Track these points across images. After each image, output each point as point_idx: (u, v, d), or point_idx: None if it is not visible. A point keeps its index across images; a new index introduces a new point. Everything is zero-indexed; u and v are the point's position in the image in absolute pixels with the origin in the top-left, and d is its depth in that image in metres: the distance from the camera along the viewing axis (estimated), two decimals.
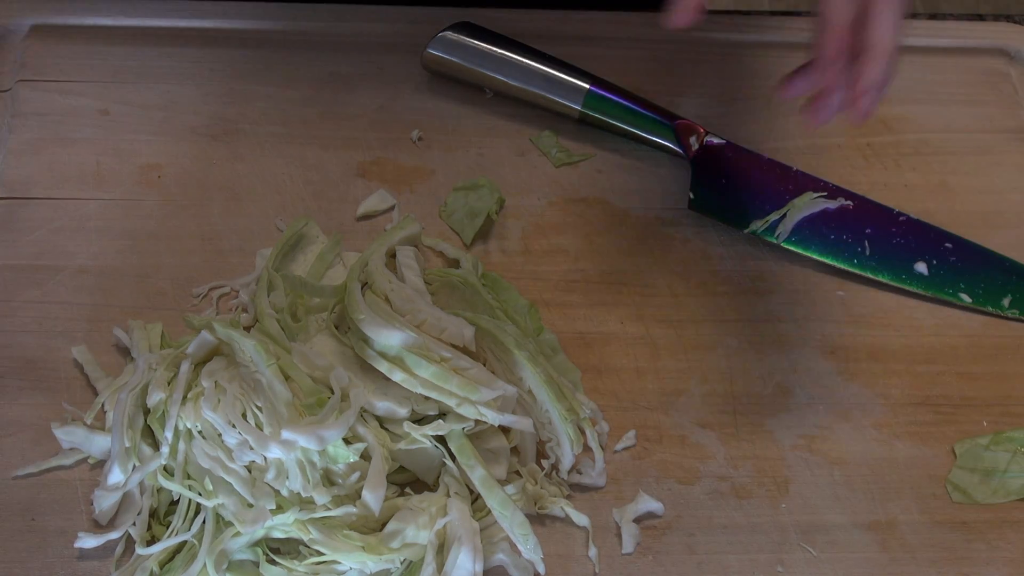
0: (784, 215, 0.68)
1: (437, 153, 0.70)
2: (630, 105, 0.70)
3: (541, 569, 0.55)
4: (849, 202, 0.69)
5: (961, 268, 0.67)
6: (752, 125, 0.73)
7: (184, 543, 0.54)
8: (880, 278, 0.67)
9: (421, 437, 0.55)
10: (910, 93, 0.75)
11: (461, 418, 0.55)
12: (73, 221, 0.65)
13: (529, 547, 0.54)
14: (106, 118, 0.69)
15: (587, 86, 0.70)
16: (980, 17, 0.80)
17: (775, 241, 0.68)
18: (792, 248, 0.67)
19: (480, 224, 0.66)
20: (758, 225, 0.68)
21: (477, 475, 0.55)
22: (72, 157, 0.68)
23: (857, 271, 0.67)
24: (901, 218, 0.69)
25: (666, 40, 0.76)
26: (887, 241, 0.68)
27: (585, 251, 0.67)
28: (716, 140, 0.70)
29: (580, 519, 0.57)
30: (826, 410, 0.63)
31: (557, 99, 0.71)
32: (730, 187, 0.69)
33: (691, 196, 0.68)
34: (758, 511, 0.59)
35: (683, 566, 0.57)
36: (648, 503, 0.58)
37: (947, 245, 0.68)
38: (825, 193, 0.69)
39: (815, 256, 0.67)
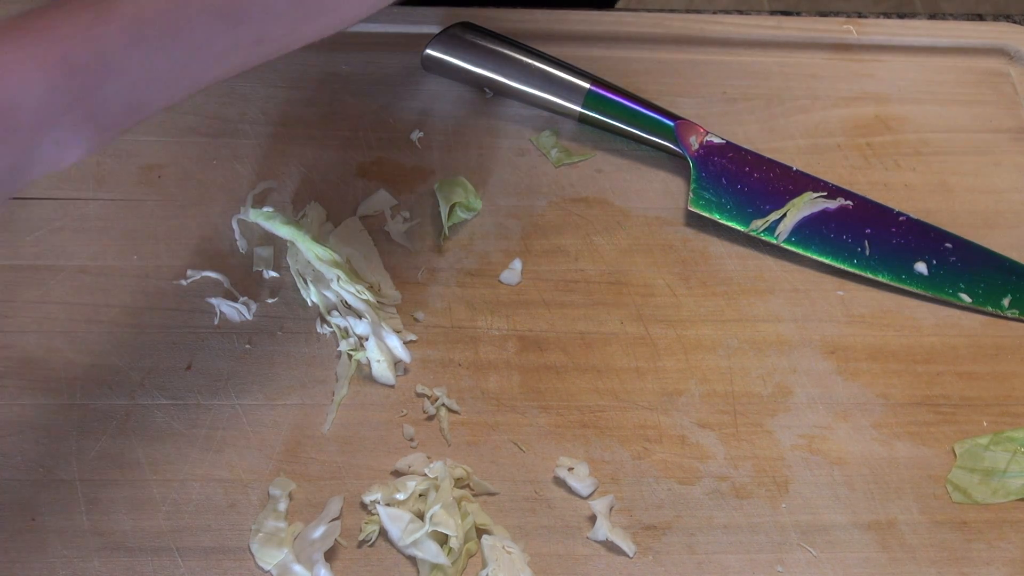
0: (784, 215, 0.68)
1: (437, 153, 0.70)
2: (630, 105, 0.70)
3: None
4: (849, 202, 0.69)
5: (961, 268, 0.67)
6: (752, 125, 0.73)
7: None
8: (880, 278, 0.67)
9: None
10: (910, 93, 0.75)
11: None
12: (73, 221, 0.65)
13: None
14: None
15: (587, 86, 0.70)
16: (980, 17, 0.80)
17: (775, 241, 0.68)
18: (792, 248, 0.67)
19: (448, 214, 0.66)
20: (758, 225, 0.68)
21: None
22: None
23: (857, 271, 0.67)
24: (901, 218, 0.69)
25: (666, 40, 0.76)
26: (887, 241, 0.68)
27: (585, 251, 0.67)
28: (716, 140, 0.70)
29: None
30: (826, 410, 0.63)
31: (557, 99, 0.71)
32: (730, 187, 0.69)
33: (691, 196, 0.69)
34: (758, 511, 0.59)
35: (683, 566, 0.57)
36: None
37: (947, 245, 0.68)
38: (825, 193, 0.69)
39: (815, 256, 0.67)
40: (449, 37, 0.71)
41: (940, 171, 0.72)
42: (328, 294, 0.63)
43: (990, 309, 0.67)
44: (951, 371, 0.65)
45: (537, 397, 0.62)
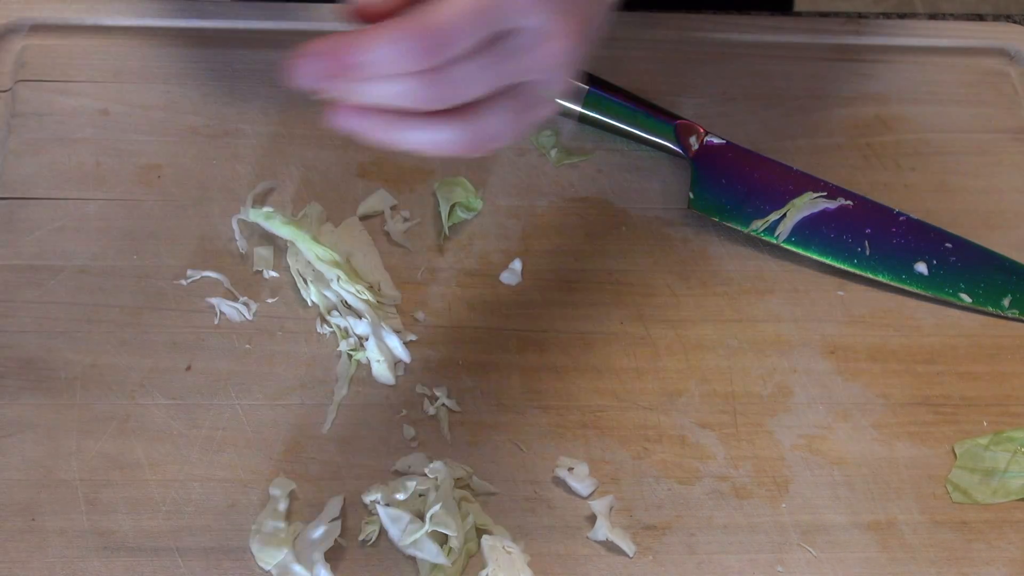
0: (784, 215, 0.68)
1: None
2: (630, 105, 0.70)
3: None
4: (849, 202, 0.69)
5: (961, 268, 0.67)
6: (752, 125, 0.73)
7: None
8: (880, 278, 0.67)
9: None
10: (910, 93, 0.75)
11: None
12: (73, 221, 0.65)
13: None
14: (106, 118, 0.69)
15: (587, 86, 0.70)
16: (980, 17, 0.80)
17: (775, 241, 0.68)
18: (792, 248, 0.67)
19: (448, 214, 0.66)
20: (758, 225, 0.68)
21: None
22: (72, 157, 0.68)
23: (857, 271, 0.67)
24: (901, 218, 0.69)
25: (666, 40, 0.76)
26: (887, 241, 0.68)
27: (585, 251, 0.67)
28: (716, 140, 0.70)
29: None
30: (826, 410, 0.63)
31: (557, 99, 0.70)
32: (730, 187, 0.69)
33: (691, 196, 0.69)
34: (758, 511, 0.59)
35: (683, 566, 0.57)
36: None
37: (947, 245, 0.68)
38: (825, 193, 0.69)
39: (815, 256, 0.67)
40: None
41: (940, 171, 0.72)
42: (328, 294, 0.63)
43: (990, 309, 0.67)
44: (951, 371, 0.65)
45: (537, 397, 0.62)
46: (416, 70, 0.43)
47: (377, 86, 0.43)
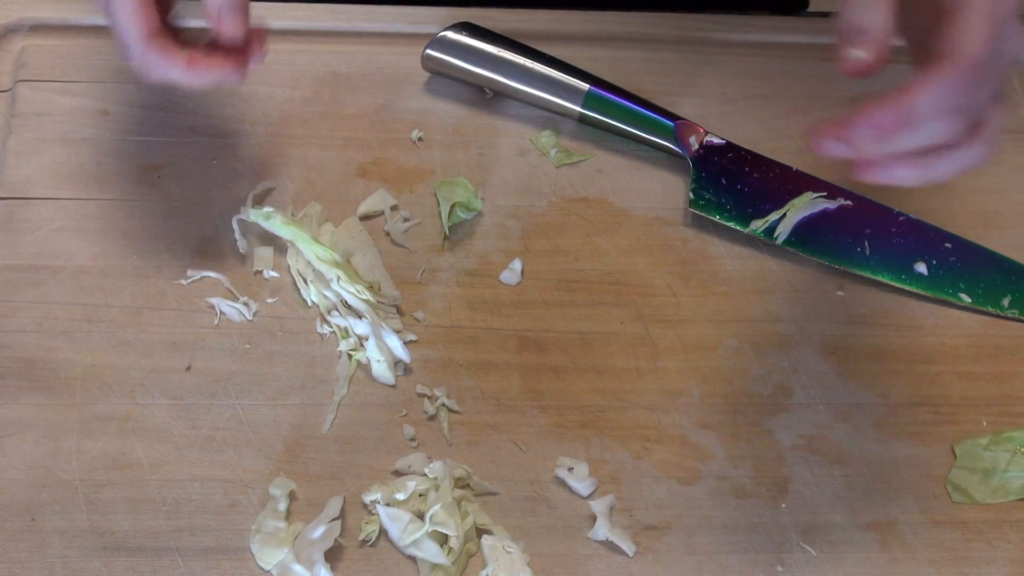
0: (784, 215, 0.68)
1: (437, 153, 0.70)
2: (630, 105, 0.70)
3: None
4: (849, 202, 0.69)
5: (961, 268, 0.67)
6: (752, 125, 0.73)
7: None
8: (880, 278, 0.67)
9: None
10: None
11: None
12: (73, 221, 0.65)
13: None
14: (106, 118, 0.69)
15: (587, 86, 0.70)
16: None
17: (775, 241, 0.68)
18: (792, 248, 0.67)
19: (448, 214, 0.66)
20: (758, 225, 0.68)
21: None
22: (72, 157, 0.68)
23: (857, 271, 0.67)
24: (901, 218, 0.69)
25: (666, 40, 0.76)
26: (887, 241, 0.68)
27: (585, 251, 0.67)
28: (716, 140, 0.70)
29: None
30: (826, 410, 0.63)
31: (557, 99, 0.71)
32: (730, 187, 0.69)
33: (691, 196, 0.69)
34: (758, 511, 0.59)
35: (683, 566, 0.57)
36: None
37: (947, 245, 0.68)
38: (825, 193, 0.69)
39: (815, 256, 0.67)
40: (449, 37, 0.71)
41: None
42: (328, 294, 0.63)
43: (990, 309, 0.67)
44: (951, 371, 0.65)
45: (537, 397, 0.62)
46: (957, 106, 0.46)
47: (918, 133, 0.46)
